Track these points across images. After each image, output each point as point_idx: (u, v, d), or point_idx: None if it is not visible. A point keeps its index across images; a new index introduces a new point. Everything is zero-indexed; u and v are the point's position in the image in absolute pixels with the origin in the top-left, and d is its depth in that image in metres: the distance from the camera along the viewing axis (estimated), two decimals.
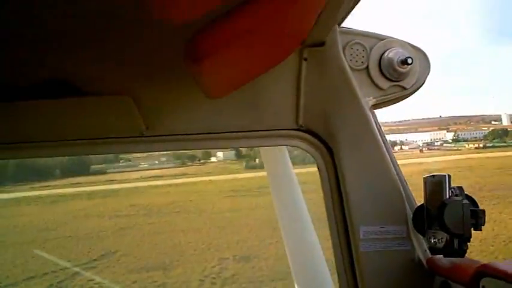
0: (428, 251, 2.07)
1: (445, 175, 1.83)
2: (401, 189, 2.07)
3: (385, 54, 2.07)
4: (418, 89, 2.15)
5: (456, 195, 1.81)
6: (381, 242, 2.06)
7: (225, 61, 1.39)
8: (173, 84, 2.05)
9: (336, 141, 2.08)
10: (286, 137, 2.18)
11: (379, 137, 2.06)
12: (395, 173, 2.07)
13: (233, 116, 2.13)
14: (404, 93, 2.13)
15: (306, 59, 2.01)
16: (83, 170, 39.52)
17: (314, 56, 2.01)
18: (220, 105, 2.09)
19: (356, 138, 2.06)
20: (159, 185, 34.16)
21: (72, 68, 1.92)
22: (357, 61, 2.09)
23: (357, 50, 2.09)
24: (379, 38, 2.11)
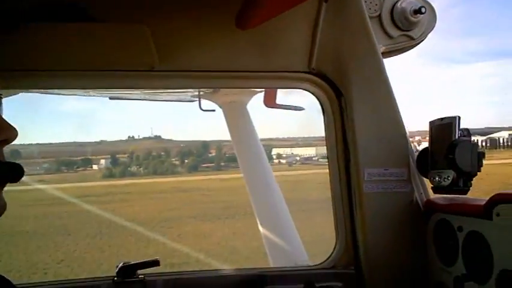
0: (423, 193, 2.22)
1: (455, 117, 1.94)
2: (407, 134, 2.18)
3: (398, 3, 2.16)
4: (422, 40, 2.26)
5: (464, 136, 1.94)
6: (384, 183, 2.15)
7: None
8: (192, 20, 2.01)
9: (347, 85, 2.14)
10: (297, 80, 2.21)
11: (390, 83, 2.14)
12: (402, 120, 2.17)
13: (247, 55, 2.12)
14: (411, 43, 2.24)
15: (326, 1, 2.04)
16: None
17: None
18: (236, 43, 2.08)
19: (369, 83, 2.13)
20: None
21: None
22: (370, 9, 2.16)
23: None
24: None
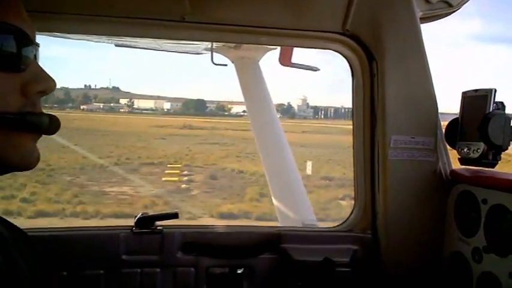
0: (447, 164, 2.22)
1: (491, 89, 1.91)
2: (436, 104, 2.15)
3: None
4: (459, 8, 2.20)
5: (498, 109, 1.92)
6: (409, 151, 2.14)
7: None
8: None
9: (381, 49, 2.09)
10: (329, 40, 2.15)
11: (425, 50, 2.09)
12: (433, 89, 2.13)
13: (281, 12, 2.05)
14: (449, 10, 2.17)
15: None
16: None
17: None
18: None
19: (403, 49, 2.08)
20: None
21: None
22: None
23: None
24: None
